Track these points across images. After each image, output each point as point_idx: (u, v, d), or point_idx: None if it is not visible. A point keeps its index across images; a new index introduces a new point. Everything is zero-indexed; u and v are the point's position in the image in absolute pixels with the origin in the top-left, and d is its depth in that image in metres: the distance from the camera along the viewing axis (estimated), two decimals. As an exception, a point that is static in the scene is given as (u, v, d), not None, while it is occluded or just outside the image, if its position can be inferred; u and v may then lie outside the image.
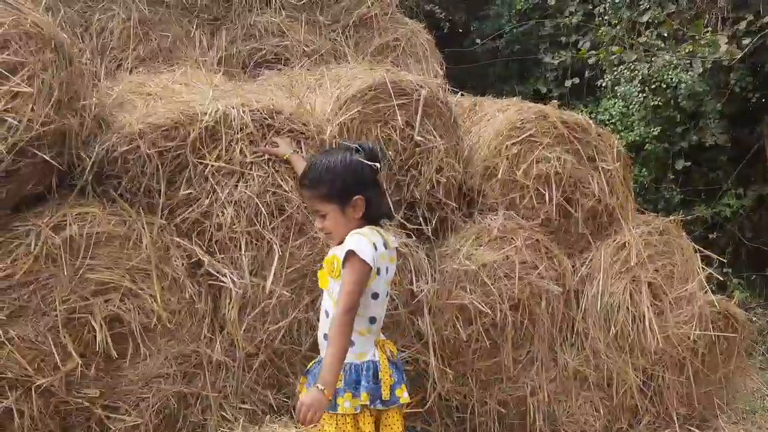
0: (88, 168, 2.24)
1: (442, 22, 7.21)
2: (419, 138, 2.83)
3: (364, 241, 1.92)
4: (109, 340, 2.21)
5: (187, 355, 2.36)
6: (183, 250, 2.37)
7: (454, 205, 2.96)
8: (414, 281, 2.73)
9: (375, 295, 2.00)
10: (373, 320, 2.03)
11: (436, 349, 2.76)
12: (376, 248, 1.94)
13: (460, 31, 7.62)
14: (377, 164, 1.99)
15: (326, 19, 4.33)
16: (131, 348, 2.28)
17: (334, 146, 2.36)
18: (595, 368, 3.10)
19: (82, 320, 2.20)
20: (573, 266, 3.15)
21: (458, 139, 3.01)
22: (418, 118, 2.84)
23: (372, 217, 2.02)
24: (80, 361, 2.15)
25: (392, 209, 2.05)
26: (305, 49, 4.08)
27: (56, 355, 2.14)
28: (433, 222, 2.94)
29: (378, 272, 1.97)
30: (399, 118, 2.79)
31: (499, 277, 2.84)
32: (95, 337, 2.19)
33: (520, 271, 2.89)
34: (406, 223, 2.88)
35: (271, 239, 2.43)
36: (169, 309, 2.32)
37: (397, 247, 2.12)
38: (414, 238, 2.83)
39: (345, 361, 1.95)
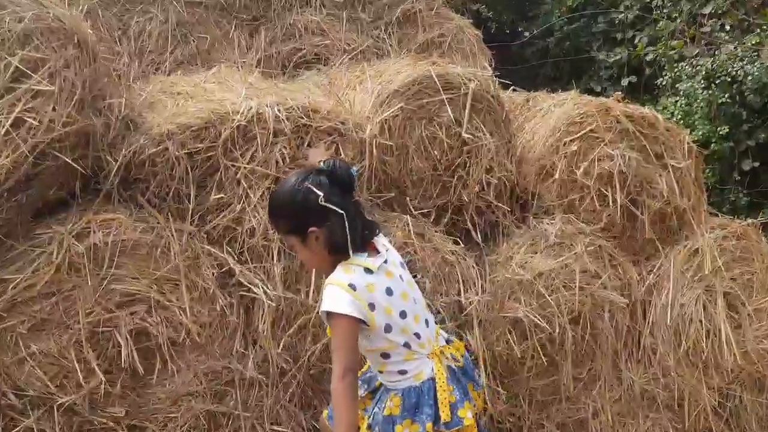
0: (114, 171, 2.10)
1: (489, 21, 6.97)
2: (467, 135, 2.61)
3: (335, 291, 1.64)
4: (135, 355, 2.07)
5: (218, 372, 2.20)
6: (214, 259, 2.21)
7: (506, 208, 2.73)
8: (462, 292, 2.51)
9: (388, 328, 1.71)
10: (411, 342, 1.76)
11: (487, 367, 2.53)
12: (354, 288, 1.65)
13: (507, 32, 7.36)
14: (319, 193, 1.62)
15: (368, 17, 4.16)
16: (159, 364, 2.13)
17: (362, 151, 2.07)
18: (665, 387, 2.81)
19: (107, 334, 2.06)
20: (639, 275, 2.87)
21: (510, 136, 2.77)
22: (467, 113, 2.62)
23: (336, 250, 1.69)
24: (104, 378, 2.01)
25: (355, 240, 1.67)
26: (346, 47, 3.91)
27: (79, 372, 2.00)
28: (483, 227, 2.71)
29: (372, 308, 1.68)
30: (445, 114, 2.58)
31: (556, 288, 2.59)
32: (120, 352, 2.05)
33: (581, 281, 2.63)
34: (452, 229, 2.68)
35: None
36: (199, 322, 2.16)
37: (387, 248, 1.82)
38: (462, 244, 2.61)
39: (401, 387, 1.76)
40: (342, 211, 1.64)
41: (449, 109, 2.59)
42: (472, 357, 2.21)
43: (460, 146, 2.63)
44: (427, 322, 1.85)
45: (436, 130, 2.59)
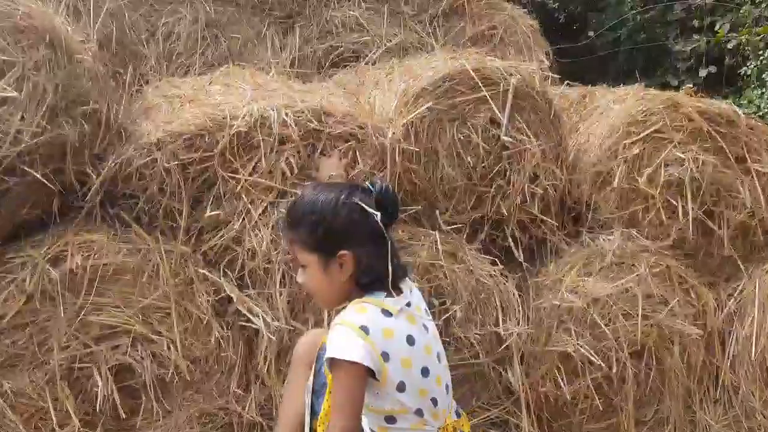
0: (94, 187, 1.86)
1: (557, 13, 6.52)
2: (507, 138, 2.25)
3: (344, 334, 1.36)
4: (117, 395, 1.82)
5: (213, 414, 1.93)
6: (210, 284, 1.95)
7: (553, 222, 2.35)
8: (501, 321, 2.15)
9: (402, 386, 1.41)
10: (424, 410, 1.44)
11: (531, 409, 2.17)
12: (367, 331, 1.36)
13: (575, 26, 6.86)
14: (376, 213, 1.40)
15: (411, 9, 3.85)
16: (144, 405, 1.88)
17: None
18: (749, 433, 2.37)
19: (86, 371, 1.83)
20: (716, 300, 2.43)
21: (560, 138, 2.39)
22: (506, 112, 2.26)
23: (362, 283, 1.44)
24: (78, 424, 1.78)
25: (394, 275, 1.42)
26: (387, 43, 3.61)
27: (53, 414, 1.77)
28: (527, 244, 2.34)
29: (386, 358, 1.38)
30: (482, 114, 2.23)
31: (615, 317, 2.20)
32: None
33: (644, 308, 2.23)
34: (490, 246, 2.32)
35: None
36: (192, 357, 1.90)
37: (411, 288, 1.53)
38: (501, 265, 2.25)
39: None
40: (389, 239, 1.43)
41: (486, 109, 2.24)
42: None
43: (500, 151, 2.27)
44: (447, 387, 1.52)
45: (470, 132, 2.24)
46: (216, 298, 1.95)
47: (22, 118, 1.70)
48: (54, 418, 1.77)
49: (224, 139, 1.96)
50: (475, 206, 2.27)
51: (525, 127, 2.30)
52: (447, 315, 2.10)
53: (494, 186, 2.26)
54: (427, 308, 1.56)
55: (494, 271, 2.19)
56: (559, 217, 2.39)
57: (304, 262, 1.46)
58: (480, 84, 2.24)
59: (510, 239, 2.29)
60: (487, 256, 2.24)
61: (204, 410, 1.92)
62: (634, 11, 6.39)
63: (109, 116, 1.97)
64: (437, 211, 2.22)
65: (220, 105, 2.05)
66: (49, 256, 1.79)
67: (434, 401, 1.45)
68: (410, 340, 1.42)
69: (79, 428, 1.79)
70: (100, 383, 1.81)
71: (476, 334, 2.12)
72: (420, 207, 2.21)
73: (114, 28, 3.19)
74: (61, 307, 1.78)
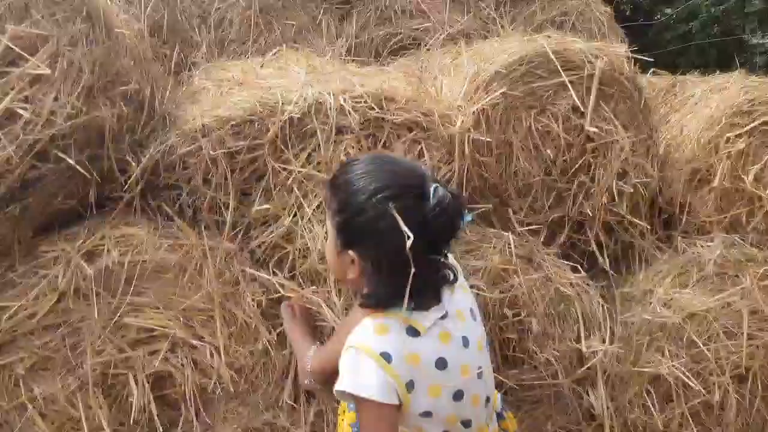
0: (134, 176, 1.70)
1: (623, 5, 6.15)
2: (593, 129, 1.98)
3: (359, 363, 1.14)
4: (154, 406, 1.65)
5: (260, 429, 1.74)
6: (258, 285, 1.75)
7: (644, 225, 2.07)
8: (582, 336, 1.89)
9: (427, 414, 1.19)
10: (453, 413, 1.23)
11: (616, 437, 1.89)
12: (389, 359, 1.13)
13: (642, 19, 6.47)
14: (408, 235, 1.08)
15: (476, -7, 3.61)
16: (183, 417, 1.70)
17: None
18: None
19: (122, 378, 1.66)
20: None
21: (651, 130, 2.11)
22: (592, 100, 1.99)
23: (372, 301, 1.20)
24: (111, 435, 1.61)
25: (419, 303, 1.16)
26: (449, 30, 3.38)
27: (85, 424, 1.61)
28: (613, 249, 2.07)
29: (411, 387, 1.15)
30: (563, 101, 1.97)
31: (715, 335, 1.91)
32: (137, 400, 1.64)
33: (750, 326, 1.93)
34: (570, 251, 2.06)
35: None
36: (237, 365, 1.71)
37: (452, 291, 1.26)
38: (583, 272, 1.99)
39: None
40: (413, 269, 1.10)
41: (568, 95, 1.98)
42: None
43: (583, 143, 2.01)
44: (487, 400, 1.30)
45: (550, 122, 1.99)
46: (267, 300, 1.75)
47: (56, 98, 1.54)
48: (86, 428, 1.61)
49: (276, 126, 1.77)
50: (554, 205, 2.01)
51: (612, 116, 2.03)
52: (522, 328, 1.86)
53: (577, 183, 2.00)
54: (474, 308, 1.30)
55: (576, 279, 1.93)
56: (649, 219, 2.11)
57: (329, 225, 1.24)
58: (562, 68, 1.99)
59: (593, 243, 2.02)
60: (567, 262, 1.98)
61: (249, 425, 1.73)
62: (708, 3, 5.98)
63: (152, 99, 1.81)
64: (510, 210, 1.98)
65: (271, 89, 1.86)
66: (84, 250, 1.64)
67: (466, 423, 1.23)
68: (441, 364, 1.18)
69: (112, 440, 1.63)
70: (136, 392, 1.64)
71: (554, 350, 1.86)
72: (491, 205, 1.96)
73: (165, 13, 3.06)
74: (96, 307, 1.61)
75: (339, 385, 1.14)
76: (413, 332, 1.17)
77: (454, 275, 1.22)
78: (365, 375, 1.12)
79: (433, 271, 1.18)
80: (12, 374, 1.62)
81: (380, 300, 1.18)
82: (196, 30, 3.26)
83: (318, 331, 1.69)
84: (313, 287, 1.72)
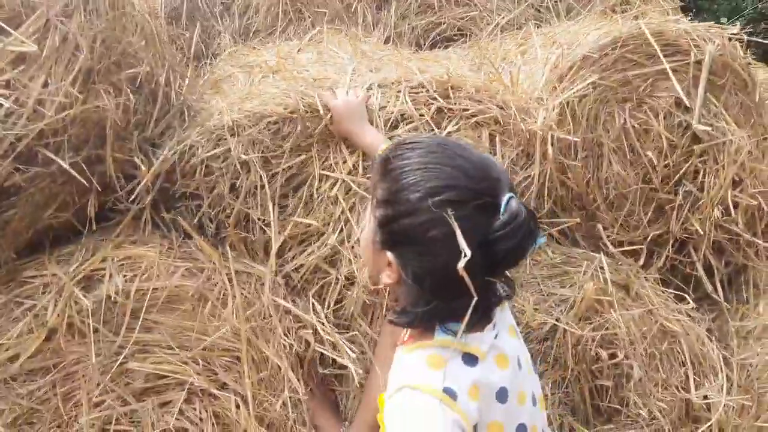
0: (143, 182, 1.36)
1: (663, -1, 5.74)
2: (702, 127, 1.62)
3: (422, 406, 0.89)
4: (166, 473, 1.31)
5: (295, 500, 1.40)
6: (296, 319, 1.41)
7: (763, 244, 1.70)
8: (692, 381, 1.53)
9: None
10: None
11: (734, 508, 1.53)
12: (455, 396, 0.90)
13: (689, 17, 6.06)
14: (466, 252, 0.84)
15: (528, -21, 3.25)
16: (203, 485, 1.37)
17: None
18: None
19: (126, 436, 1.33)
20: None
21: (766, 129, 1.74)
22: (701, 91, 1.63)
23: (413, 320, 0.97)
24: None
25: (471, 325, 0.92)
26: (498, 19, 3.03)
27: (79, 497, 1.28)
28: (724, 274, 1.71)
29: (476, 429, 0.92)
30: (665, 93, 1.61)
31: None
32: (145, 464, 1.31)
33: None
34: (670, 275, 1.70)
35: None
36: (268, 419, 1.37)
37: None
38: (690, 302, 1.63)
39: None
40: (475, 297, 0.87)
41: (671, 86, 1.62)
42: None
43: (689, 144, 1.65)
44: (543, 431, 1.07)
45: (649, 118, 1.63)
46: (306, 336, 1.41)
47: (46, 83, 1.21)
48: (81, 502, 1.28)
49: (320, 125, 1.43)
50: (653, 220, 1.66)
51: (723, 111, 1.67)
52: (618, 373, 1.50)
53: (682, 192, 1.64)
54: (514, 325, 1.09)
55: (684, 311, 1.57)
56: (767, 237, 1.74)
57: (369, 210, 1.01)
58: (663, 53, 1.63)
59: (699, 267, 1.66)
60: (670, 290, 1.62)
61: (283, 494, 1.40)
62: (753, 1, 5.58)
63: (167, 88, 1.48)
64: (600, 226, 1.62)
65: (315, 79, 1.52)
66: (80, 276, 1.31)
67: None
68: (502, 396, 0.96)
69: None
70: (143, 455, 1.31)
71: (658, 401, 1.51)
72: (576, 219, 1.61)
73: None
74: (94, 348, 1.28)
75: (386, 416, 0.92)
76: (471, 360, 0.95)
77: (512, 289, 1.01)
78: (428, 418, 0.88)
79: (488, 292, 0.95)
80: (-10, 430, 1.30)
81: (415, 320, 0.97)
82: (218, 18, 2.94)
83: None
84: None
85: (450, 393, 0.90)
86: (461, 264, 0.83)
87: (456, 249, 0.84)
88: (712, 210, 1.62)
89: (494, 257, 0.89)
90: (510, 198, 0.89)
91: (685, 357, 1.55)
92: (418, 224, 0.89)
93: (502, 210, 0.88)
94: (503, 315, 1.05)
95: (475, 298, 0.87)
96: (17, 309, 1.29)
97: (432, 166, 0.91)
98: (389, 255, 0.94)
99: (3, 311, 1.29)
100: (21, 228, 1.28)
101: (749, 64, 1.72)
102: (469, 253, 0.84)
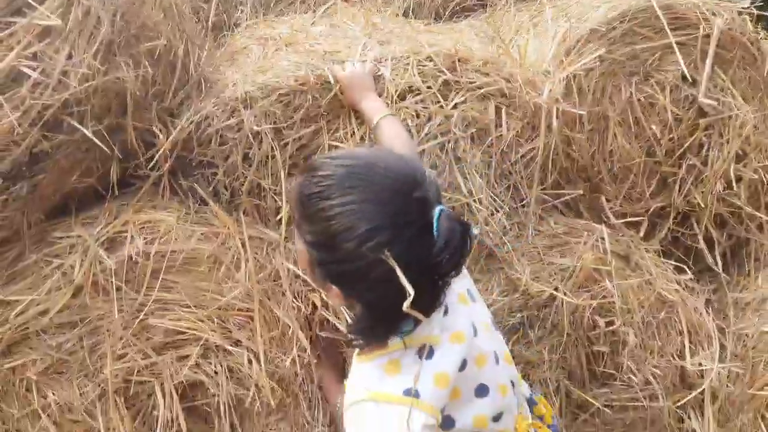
0: (162, 150, 1.44)
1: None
2: (707, 101, 1.64)
3: (389, 420, 0.92)
4: (183, 420, 1.42)
5: (303, 450, 1.50)
6: (304, 283, 1.49)
7: (764, 217, 1.73)
8: (687, 351, 1.58)
9: (449, 422, 1.00)
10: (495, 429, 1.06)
11: (723, 471, 1.60)
12: (418, 395, 0.93)
13: None
14: (409, 291, 0.84)
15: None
16: (217, 431, 1.47)
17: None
18: None
19: (147, 386, 1.43)
20: None
21: (775, 104, 1.75)
22: (707, 66, 1.65)
23: (369, 339, 0.98)
24: (134, 455, 1.39)
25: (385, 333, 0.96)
26: (520, -11, 3.01)
27: (104, 440, 1.40)
28: (725, 247, 1.74)
29: (442, 412, 0.97)
30: (672, 66, 1.63)
31: None
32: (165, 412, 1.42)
33: None
34: (672, 247, 1.74)
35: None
36: (278, 375, 1.46)
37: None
38: (689, 273, 1.67)
39: None
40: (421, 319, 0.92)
41: (678, 60, 1.63)
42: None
43: (695, 118, 1.67)
44: (513, 383, 1.12)
45: (655, 91, 1.65)
46: (310, 302, 1.49)
47: (70, 55, 1.28)
48: (106, 444, 1.39)
49: (330, 96, 1.49)
50: (656, 192, 1.70)
51: (730, 86, 1.68)
52: (615, 340, 1.56)
53: (685, 166, 1.67)
54: (472, 288, 1.12)
55: (682, 282, 1.61)
56: (769, 210, 1.77)
57: (296, 242, 0.99)
58: (671, 27, 1.64)
59: (701, 239, 1.70)
60: (670, 261, 1.66)
61: (291, 444, 1.50)
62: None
63: (186, 59, 1.54)
64: (603, 198, 1.66)
65: (327, 51, 1.57)
66: (104, 238, 1.40)
67: (497, 419, 1.06)
68: (462, 366, 1.00)
69: (134, 459, 1.41)
70: (162, 403, 1.41)
71: (653, 367, 1.57)
72: (580, 191, 1.65)
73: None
74: (117, 305, 1.38)
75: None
76: (429, 352, 0.97)
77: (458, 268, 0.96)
78: (396, 427, 0.91)
79: (437, 289, 0.94)
80: (23, 378, 1.41)
81: (375, 340, 0.97)
82: (237, -10, 2.98)
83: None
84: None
85: (412, 394, 0.93)
86: (407, 304, 0.83)
87: (399, 284, 0.84)
88: (715, 183, 1.65)
89: (438, 273, 0.89)
90: (440, 215, 0.87)
91: (681, 326, 1.60)
92: (357, 269, 0.87)
93: (435, 233, 0.86)
94: (454, 287, 1.02)
95: (408, 301, 0.85)
96: (47, 267, 1.39)
97: (356, 207, 0.86)
98: (335, 288, 0.93)
99: (34, 269, 1.39)
100: (49, 192, 1.37)
101: (759, 38, 1.72)
102: (412, 291, 0.83)
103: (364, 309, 0.95)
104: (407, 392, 0.93)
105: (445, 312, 1.01)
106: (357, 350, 1.02)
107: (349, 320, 1.03)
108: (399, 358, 0.96)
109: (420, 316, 0.89)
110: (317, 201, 0.88)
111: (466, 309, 1.07)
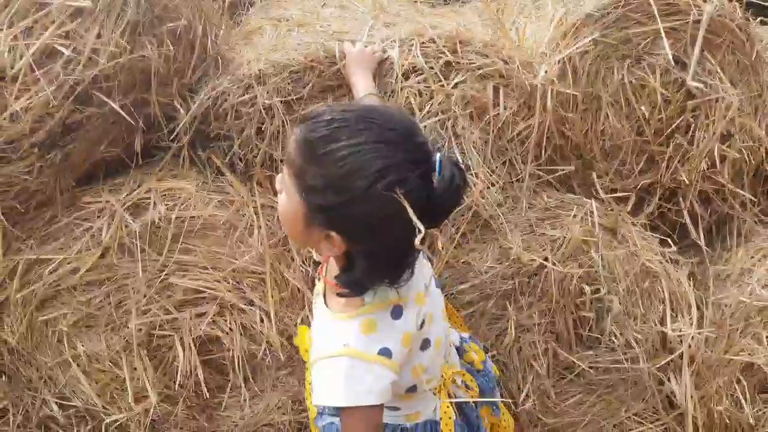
0: (182, 123, 1.55)
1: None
2: (695, 84, 1.73)
3: (360, 374, 0.98)
4: (201, 371, 1.55)
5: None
6: (310, 249, 1.61)
7: (746, 195, 1.83)
8: (668, 318, 1.69)
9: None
10: (418, 384, 1.14)
11: (699, 429, 1.71)
12: (389, 354, 0.99)
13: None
14: (420, 228, 0.87)
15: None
16: (231, 382, 1.60)
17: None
18: None
19: (168, 340, 1.56)
20: None
21: (762, 87, 1.84)
22: (696, 50, 1.73)
23: (362, 287, 1.01)
24: (156, 399, 1.53)
25: (404, 273, 0.99)
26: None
27: (129, 386, 1.53)
28: (708, 222, 1.84)
29: (401, 368, 1.04)
30: (663, 50, 1.72)
31: (824, 324, 1.68)
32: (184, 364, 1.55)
33: None
34: (659, 221, 1.84)
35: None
36: (287, 333, 1.59)
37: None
38: (673, 246, 1.77)
39: (388, 422, 1.18)
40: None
41: (669, 44, 1.72)
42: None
43: (683, 100, 1.76)
44: (445, 338, 1.22)
45: (646, 74, 1.74)
46: (314, 265, 1.62)
47: (99, 35, 1.39)
48: (130, 390, 1.53)
49: (337, 74, 1.59)
50: (645, 170, 1.79)
51: (719, 70, 1.77)
52: (600, 306, 1.68)
53: (673, 145, 1.77)
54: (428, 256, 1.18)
55: (665, 254, 1.72)
56: (753, 188, 1.86)
57: (288, 190, 0.96)
58: (662, 12, 1.72)
59: (686, 215, 1.80)
60: (655, 235, 1.77)
61: (299, 395, 1.63)
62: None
63: (204, 39, 1.65)
64: (594, 174, 1.77)
65: (335, 32, 1.67)
66: (129, 203, 1.52)
67: (429, 368, 1.14)
68: (420, 325, 1.08)
69: (157, 404, 1.55)
70: (182, 355, 1.55)
71: (635, 332, 1.68)
72: (572, 167, 1.75)
73: None
74: (141, 265, 1.51)
75: (329, 400, 0.99)
76: (397, 312, 1.02)
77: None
78: (369, 383, 0.97)
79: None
80: (56, 330, 1.55)
81: (366, 290, 1.01)
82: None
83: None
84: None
85: (385, 353, 0.99)
86: (418, 239, 0.87)
87: (407, 222, 0.87)
88: (701, 162, 1.75)
89: (437, 212, 0.94)
90: (441, 159, 0.92)
91: (664, 295, 1.71)
92: (370, 210, 0.89)
93: (437, 174, 0.91)
94: None
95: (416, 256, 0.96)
96: (77, 229, 1.51)
97: (367, 147, 0.88)
98: (335, 235, 0.93)
99: (65, 231, 1.52)
100: (79, 161, 1.50)
101: (748, 23, 1.80)
102: (423, 229, 0.87)
103: (363, 257, 0.95)
104: (382, 352, 0.99)
105: (411, 273, 1.02)
106: (330, 311, 1.06)
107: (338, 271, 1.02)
108: (374, 318, 1.00)
109: (425, 251, 0.96)
110: (326, 143, 0.89)
111: (426, 270, 1.14)
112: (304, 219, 0.95)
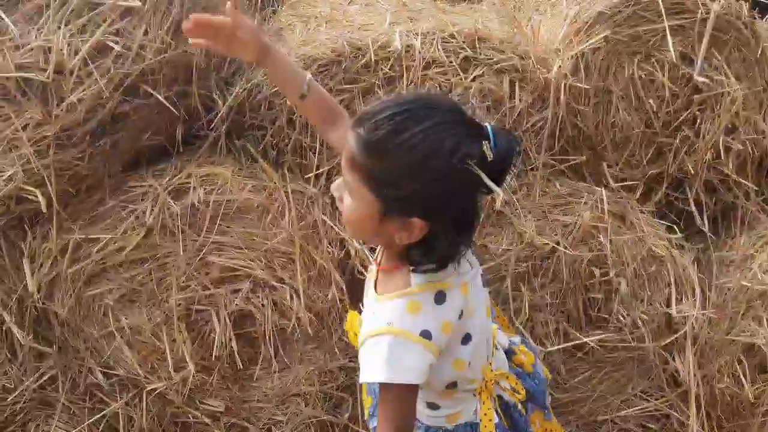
0: (220, 114, 1.67)
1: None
2: (702, 79, 1.82)
3: (405, 353, 1.01)
4: (235, 343, 1.68)
5: (333, 373, 1.76)
6: (336, 232, 1.73)
7: (750, 185, 1.92)
8: (673, 300, 1.79)
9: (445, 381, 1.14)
10: (459, 381, 1.16)
11: (701, 406, 1.82)
12: (429, 336, 1.02)
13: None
14: (498, 191, 0.96)
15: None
16: (262, 355, 1.73)
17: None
18: None
19: (205, 314, 1.69)
20: None
21: (767, 82, 1.92)
22: (703, 47, 1.82)
23: (429, 258, 1.03)
24: (193, 369, 1.65)
25: (463, 250, 1.04)
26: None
27: (169, 357, 1.66)
28: (713, 210, 1.94)
29: (440, 354, 1.06)
30: (671, 47, 1.81)
31: (822, 307, 1.77)
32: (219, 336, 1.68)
33: None
34: (666, 209, 1.94)
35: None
36: (314, 309, 1.71)
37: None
38: (679, 233, 1.87)
39: (424, 423, 1.21)
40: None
41: (677, 41, 1.81)
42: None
43: (690, 94, 1.85)
44: (491, 335, 1.24)
45: (655, 69, 1.84)
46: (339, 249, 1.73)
47: (146, 32, 1.52)
48: (170, 361, 1.66)
49: (362, 67, 1.70)
50: (653, 160, 1.88)
51: (725, 65, 1.86)
52: (609, 288, 1.78)
53: (679, 137, 1.86)
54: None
55: (671, 240, 1.82)
56: (756, 178, 1.95)
57: (356, 193, 0.98)
58: (670, 11, 1.81)
59: (692, 203, 1.89)
60: (663, 221, 1.86)
61: (325, 368, 1.75)
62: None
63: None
64: (605, 164, 1.87)
65: (361, 27, 1.78)
66: (171, 187, 1.64)
67: (472, 364, 1.14)
68: (460, 315, 1.08)
69: (194, 373, 1.67)
70: (218, 328, 1.67)
71: (642, 313, 1.78)
72: (584, 157, 1.85)
73: None
74: (181, 244, 1.63)
75: (371, 376, 1.02)
76: (440, 297, 1.04)
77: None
78: (409, 361, 1.01)
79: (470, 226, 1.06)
80: (102, 304, 1.68)
81: (453, 259, 1.04)
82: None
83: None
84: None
85: (425, 335, 1.01)
86: (498, 201, 1.00)
87: (474, 190, 0.96)
88: (706, 153, 1.84)
89: (497, 176, 0.97)
90: (494, 130, 0.97)
91: (669, 279, 1.81)
92: (449, 186, 0.94)
93: (493, 145, 0.95)
94: None
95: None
96: (123, 211, 1.64)
97: (436, 128, 0.92)
98: (416, 221, 0.96)
99: (112, 213, 1.64)
100: (126, 148, 1.62)
101: (753, 21, 1.89)
102: (500, 191, 0.95)
103: (443, 232, 0.98)
104: (423, 333, 1.01)
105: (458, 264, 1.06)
106: (378, 294, 1.09)
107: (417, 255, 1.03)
108: (419, 300, 1.03)
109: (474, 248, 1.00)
110: (395, 136, 0.92)
111: (471, 257, 1.15)
112: (379, 215, 0.98)
